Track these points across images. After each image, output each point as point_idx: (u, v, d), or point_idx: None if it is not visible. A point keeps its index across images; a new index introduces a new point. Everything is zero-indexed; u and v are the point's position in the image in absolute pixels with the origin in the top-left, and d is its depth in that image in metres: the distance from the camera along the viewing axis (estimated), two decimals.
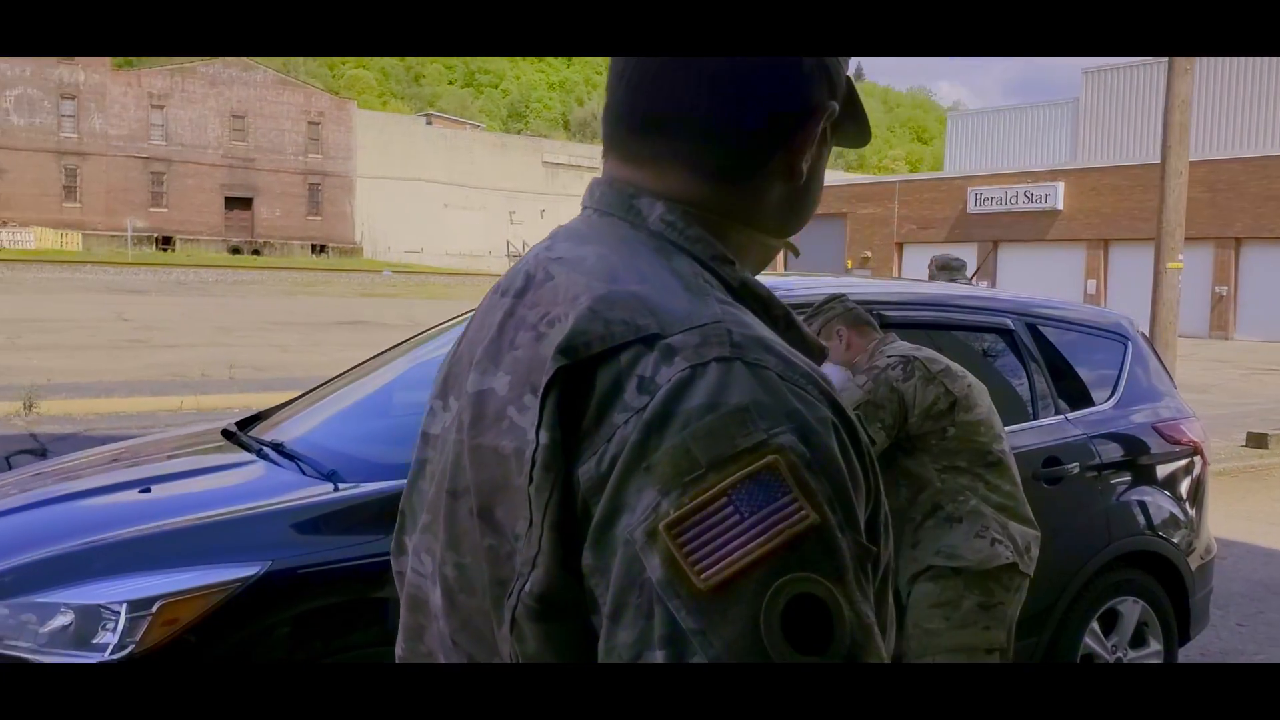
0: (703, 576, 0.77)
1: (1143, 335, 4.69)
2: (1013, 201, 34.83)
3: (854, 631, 0.79)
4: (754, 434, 0.80)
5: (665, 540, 0.78)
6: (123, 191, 59.92)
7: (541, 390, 0.89)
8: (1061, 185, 33.79)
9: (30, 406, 10.59)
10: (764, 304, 1.01)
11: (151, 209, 60.88)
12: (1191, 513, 4.45)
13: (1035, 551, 3.20)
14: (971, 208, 35.96)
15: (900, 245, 38.38)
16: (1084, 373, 4.43)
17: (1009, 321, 4.19)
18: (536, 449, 0.88)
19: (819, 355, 1.04)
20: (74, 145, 59.00)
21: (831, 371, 3.43)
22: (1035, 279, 33.53)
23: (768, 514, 0.78)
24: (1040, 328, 4.33)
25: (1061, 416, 4.16)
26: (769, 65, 1.01)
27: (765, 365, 0.85)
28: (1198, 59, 9.78)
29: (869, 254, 38.82)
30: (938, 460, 3.20)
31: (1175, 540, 4.30)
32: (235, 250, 62.33)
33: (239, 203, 63.49)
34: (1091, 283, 33.20)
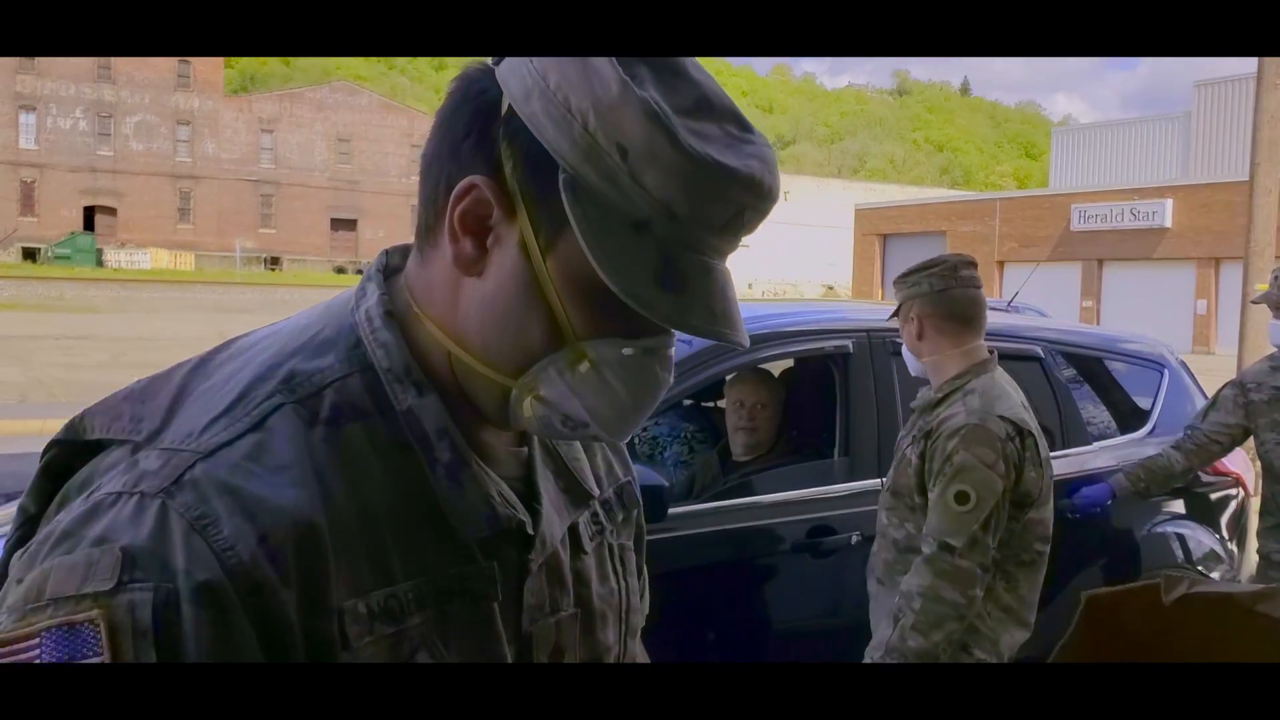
0: None
1: (1183, 364, 4.50)
2: (1118, 219, 33.84)
3: None
4: (108, 581, 0.74)
5: None
6: (233, 213, 62.00)
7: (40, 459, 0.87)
8: (1170, 202, 32.71)
9: None
10: (425, 442, 0.88)
11: (260, 230, 62.86)
12: (1232, 547, 4.27)
13: (1015, 654, 2.86)
14: (1075, 225, 35.06)
15: (1001, 264, 37.58)
16: (1118, 402, 4.28)
17: (1039, 350, 4.03)
18: None
19: (471, 522, 0.89)
20: (188, 169, 61.27)
21: (910, 364, 3.04)
22: (1142, 299, 32.53)
23: None
24: (1072, 356, 4.20)
25: (1094, 446, 4.00)
26: (457, 106, 0.88)
27: (181, 512, 0.77)
28: None
29: None
30: None
31: (1214, 575, 4.11)
32: (340, 270, 63.92)
33: (344, 224, 65.15)
34: (1202, 303, 32.04)
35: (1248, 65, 35.46)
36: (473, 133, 0.86)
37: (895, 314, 3.02)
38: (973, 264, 2.96)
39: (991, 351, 2.93)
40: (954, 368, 2.88)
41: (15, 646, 0.74)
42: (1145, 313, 30.11)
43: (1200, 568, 4.05)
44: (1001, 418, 2.74)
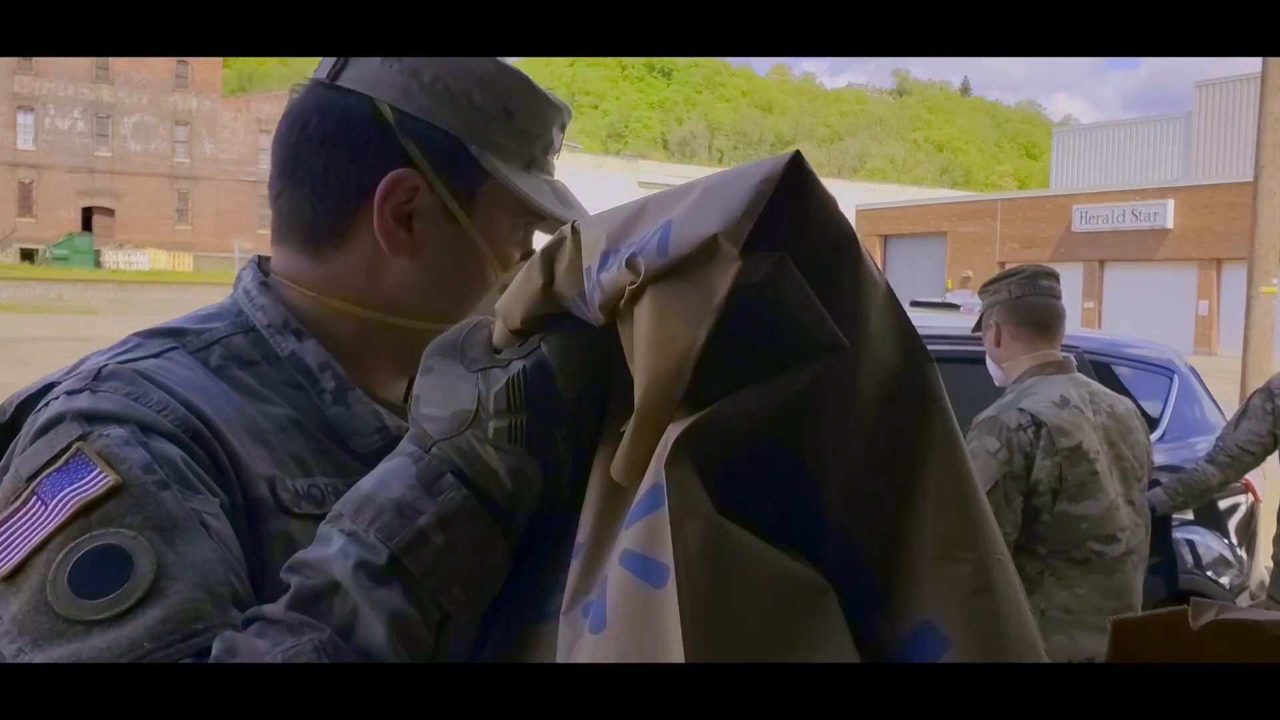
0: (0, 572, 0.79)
1: (1192, 369, 4.49)
2: (1120, 220, 33.84)
3: (158, 571, 0.78)
4: (73, 435, 0.82)
5: None
6: (232, 214, 61.90)
7: None
8: (1171, 203, 32.71)
9: None
10: (310, 377, 0.99)
11: (259, 231, 62.63)
12: (1241, 552, 4.26)
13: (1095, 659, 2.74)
14: (1076, 226, 35.06)
15: (1003, 265, 37.54)
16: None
17: (1070, 358, 3.99)
18: None
19: (363, 434, 0.99)
20: (186, 170, 61.23)
21: (992, 372, 3.10)
22: (1143, 300, 32.54)
23: (66, 493, 0.79)
24: (1090, 361, 4.18)
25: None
26: (340, 121, 0.99)
27: (111, 391, 0.86)
28: None
29: (969, 274, 38.12)
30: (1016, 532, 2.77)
31: (1224, 581, 4.11)
32: None
33: None
34: (1203, 304, 32.04)
35: (1249, 65, 35.50)
36: (370, 139, 0.98)
37: (978, 326, 3.07)
38: (1052, 275, 3.02)
39: (1065, 358, 2.93)
40: (1019, 371, 2.92)
41: (16, 516, 0.79)
42: (1147, 314, 30.12)
43: (1209, 573, 4.06)
44: (1020, 409, 2.77)
